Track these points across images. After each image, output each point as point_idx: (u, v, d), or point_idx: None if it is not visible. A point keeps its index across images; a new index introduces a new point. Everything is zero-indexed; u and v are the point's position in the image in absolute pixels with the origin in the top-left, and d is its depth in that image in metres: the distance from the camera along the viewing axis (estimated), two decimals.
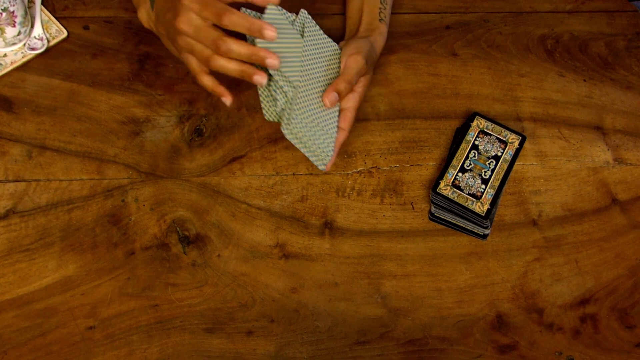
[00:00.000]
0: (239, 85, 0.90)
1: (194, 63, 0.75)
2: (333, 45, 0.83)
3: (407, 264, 0.79)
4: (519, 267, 0.79)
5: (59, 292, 0.75)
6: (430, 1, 1.00)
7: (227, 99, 0.76)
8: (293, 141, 0.76)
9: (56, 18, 0.93)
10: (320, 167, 0.78)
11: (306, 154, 0.77)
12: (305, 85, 0.77)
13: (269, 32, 0.68)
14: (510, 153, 0.83)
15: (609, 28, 0.99)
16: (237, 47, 0.70)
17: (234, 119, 0.87)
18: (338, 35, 0.92)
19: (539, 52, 0.96)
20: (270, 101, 0.78)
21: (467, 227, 0.80)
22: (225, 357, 0.73)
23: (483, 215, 0.78)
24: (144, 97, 0.88)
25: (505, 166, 0.82)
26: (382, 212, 0.82)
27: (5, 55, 0.89)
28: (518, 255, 0.80)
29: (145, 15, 0.85)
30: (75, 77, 0.89)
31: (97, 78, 0.89)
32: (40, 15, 0.92)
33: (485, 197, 0.79)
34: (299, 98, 0.76)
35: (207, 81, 0.75)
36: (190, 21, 0.71)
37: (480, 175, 0.81)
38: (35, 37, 0.91)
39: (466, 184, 0.80)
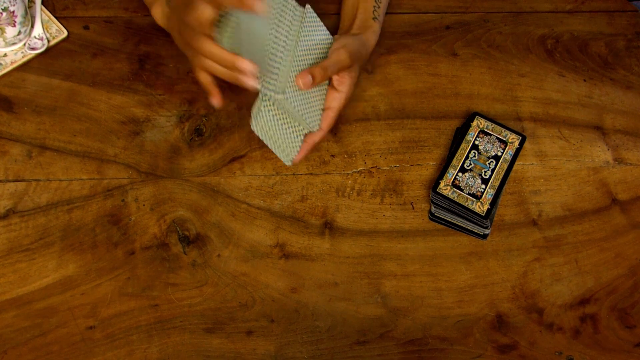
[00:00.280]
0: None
1: (194, 58, 0.75)
2: (329, 38, 0.83)
3: (407, 264, 0.79)
4: (519, 267, 0.79)
5: (59, 292, 0.75)
6: (430, 1, 1.00)
7: (215, 100, 0.77)
8: (260, 135, 0.77)
9: (56, 18, 0.93)
10: (286, 163, 0.79)
11: (273, 150, 0.78)
12: (294, 68, 0.77)
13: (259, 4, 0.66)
14: (510, 153, 0.83)
15: (609, 28, 0.99)
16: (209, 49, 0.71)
17: (234, 119, 0.87)
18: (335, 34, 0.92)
19: (539, 52, 0.96)
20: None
21: (467, 227, 0.80)
22: (225, 357, 0.73)
23: (483, 215, 0.78)
24: (144, 97, 0.88)
25: (505, 166, 0.82)
26: (382, 212, 0.82)
27: (5, 55, 0.89)
28: (518, 255, 0.80)
29: (159, 13, 0.84)
30: (75, 77, 0.89)
31: (97, 78, 0.89)
32: (41, 15, 0.92)
33: (485, 197, 0.79)
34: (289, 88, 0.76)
35: (202, 77, 0.76)
36: (195, 12, 0.70)
37: (480, 175, 0.81)
38: (35, 37, 0.91)
39: (466, 183, 0.80)
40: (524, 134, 0.85)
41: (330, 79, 0.82)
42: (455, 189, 0.80)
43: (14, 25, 0.87)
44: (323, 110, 0.81)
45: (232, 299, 0.76)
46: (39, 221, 0.79)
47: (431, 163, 0.86)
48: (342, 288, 0.77)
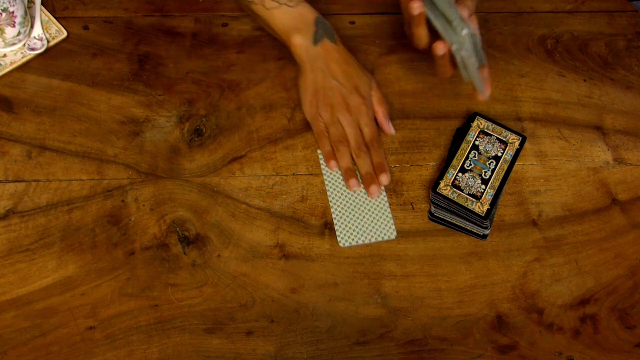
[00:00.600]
0: (239, 84, 0.90)
1: (320, 127, 0.83)
2: None
3: (407, 264, 0.79)
4: (519, 267, 0.79)
5: (59, 292, 0.75)
6: None
7: (354, 187, 0.82)
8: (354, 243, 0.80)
9: (56, 18, 0.93)
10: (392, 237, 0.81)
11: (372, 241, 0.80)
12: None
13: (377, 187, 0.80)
14: (511, 153, 0.83)
15: (609, 28, 0.99)
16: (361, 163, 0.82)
17: (234, 119, 0.87)
18: (342, 36, 0.92)
19: (539, 52, 0.96)
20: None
21: (467, 227, 0.80)
22: (225, 357, 0.73)
23: (483, 215, 0.78)
24: (144, 97, 0.88)
25: (506, 166, 0.82)
26: None
27: (5, 55, 0.89)
28: (518, 256, 0.80)
29: (300, 42, 0.87)
30: (75, 77, 0.89)
31: (97, 78, 0.89)
32: (40, 15, 0.92)
33: (485, 197, 0.79)
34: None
35: (325, 147, 0.84)
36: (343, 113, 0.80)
37: (480, 175, 0.81)
38: (35, 37, 0.91)
39: (466, 184, 0.80)
40: (524, 134, 0.85)
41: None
42: (455, 189, 0.80)
43: (14, 26, 0.87)
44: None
45: (232, 300, 0.76)
46: (38, 221, 0.79)
47: (431, 163, 0.86)
48: (342, 288, 0.77)
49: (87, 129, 0.85)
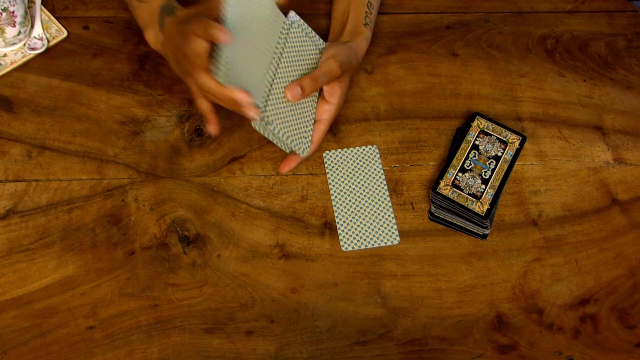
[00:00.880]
0: None
1: (193, 86, 0.76)
2: (321, 44, 0.83)
3: (407, 264, 0.79)
4: (519, 267, 0.79)
5: (59, 292, 0.75)
6: (430, 1, 1.00)
7: (212, 128, 0.78)
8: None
9: (56, 18, 0.93)
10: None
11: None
12: (282, 82, 0.78)
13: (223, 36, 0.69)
14: (511, 153, 0.83)
15: (609, 28, 0.99)
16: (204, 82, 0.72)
17: (234, 119, 0.87)
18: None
19: (539, 52, 0.96)
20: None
21: (467, 227, 0.80)
22: (225, 357, 0.73)
23: (483, 215, 0.78)
24: (144, 97, 0.88)
25: (506, 166, 0.82)
26: None
27: (5, 55, 0.89)
28: (518, 255, 0.80)
29: (153, 37, 0.85)
30: (75, 77, 0.89)
31: (97, 78, 0.89)
32: (40, 15, 0.92)
33: (485, 197, 0.79)
34: (274, 94, 0.77)
35: (201, 104, 0.77)
36: (191, 44, 0.71)
37: (480, 175, 0.81)
38: (35, 37, 0.91)
39: (466, 184, 0.80)
40: (524, 134, 0.85)
41: (320, 91, 0.82)
42: (455, 189, 0.80)
43: (14, 26, 0.87)
44: (312, 128, 0.82)
45: (232, 299, 0.76)
46: (39, 221, 0.79)
47: (431, 163, 0.86)
48: (342, 288, 0.77)
49: (87, 129, 0.85)
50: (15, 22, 0.87)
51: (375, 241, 0.79)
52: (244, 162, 0.84)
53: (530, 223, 0.82)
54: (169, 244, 0.78)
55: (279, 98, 0.76)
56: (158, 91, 0.89)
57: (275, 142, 0.79)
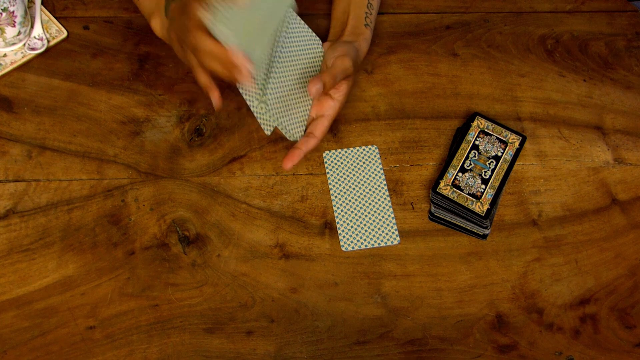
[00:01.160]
0: None
1: (193, 61, 0.76)
2: (316, 41, 0.83)
3: (407, 264, 0.79)
4: (518, 267, 0.79)
5: (59, 292, 0.75)
6: (430, 1, 1.00)
7: (215, 99, 0.77)
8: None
9: (56, 18, 0.93)
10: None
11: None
12: (280, 74, 0.78)
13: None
14: (511, 153, 0.83)
15: (609, 28, 0.99)
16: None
17: (234, 119, 0.87)
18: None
19: (539, 52, 0.96)
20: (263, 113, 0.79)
21: (467, 227, 0.80)
22: (225, 357, 0.73)
23: (483, 215, 0.78)
24: (144, 97, 0.88)
25: (506, 166, 0.82)
26: None
27: (5, 55, 0.89)
28: (518, 255, 0.80)
29: (159, 24, 0.85)
30: (75, 77, 0.89)
31: (97, 78, 0.89)
32: (40, 15, 0.92)
33: (485, 197, 0.79)
34: (272, 85, 0.77)
35: (202, 77, 0.77)
36: (192, 12, 0.72)
37: (480, 175, 0.81)
38: (35, 37, 0.91)
39: (466, 184, 0.80)
40: (524, 134, 0.85)
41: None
42: (455, 189, 0.80)
43: (14, 26, 0.87)
44: (306, 119, 0.82)
45: (232, 299, 0.76)
46: (39, 221, 0.79)
47: (431, 163, 0.86)
48: (342, 288, 0.77)
49: (87, 129, 0.85)
50: (15, 22, 0.87)
51: (375, 241, 0.79)
52: (244, 162, 0.84)
53: (530, 223, 0.82)
54: (169, 244, 0.78)
55: (278, 79, 0.77)
56: (158, 91, 0.89)
57: (260, 120, 0.79)
